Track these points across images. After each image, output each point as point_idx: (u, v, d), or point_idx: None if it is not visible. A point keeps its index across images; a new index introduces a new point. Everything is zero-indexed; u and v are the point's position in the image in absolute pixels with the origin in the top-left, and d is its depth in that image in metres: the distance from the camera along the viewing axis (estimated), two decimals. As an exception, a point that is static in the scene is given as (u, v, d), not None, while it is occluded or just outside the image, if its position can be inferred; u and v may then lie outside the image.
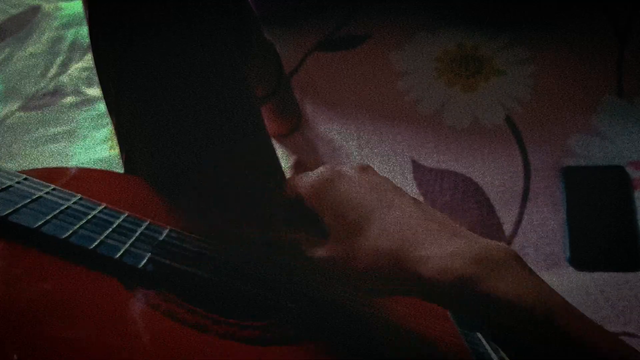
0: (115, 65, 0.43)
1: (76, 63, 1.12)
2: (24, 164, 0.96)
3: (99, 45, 0.44)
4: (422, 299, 0.27)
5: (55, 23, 1.21)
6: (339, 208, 0.30)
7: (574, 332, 0.24)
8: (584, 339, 0.24)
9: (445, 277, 0.25)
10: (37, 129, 1.01)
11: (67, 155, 0.96)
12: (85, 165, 0.93)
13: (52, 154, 0.97)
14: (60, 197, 0.30)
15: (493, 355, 0.36)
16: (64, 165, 0.94)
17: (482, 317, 0.25)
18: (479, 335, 0.39)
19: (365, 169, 0.33)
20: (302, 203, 0.32)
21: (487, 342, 0.38)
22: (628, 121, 0.84)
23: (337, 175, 0.31)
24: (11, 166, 0.96)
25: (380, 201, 0.30)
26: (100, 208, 0.31)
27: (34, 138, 1.00)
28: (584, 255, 0.73)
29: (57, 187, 0.31)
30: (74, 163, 0.94)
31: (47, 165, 0.94)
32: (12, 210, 0.27)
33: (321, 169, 0.33)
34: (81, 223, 0.28)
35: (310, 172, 0.33)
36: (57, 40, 1.17)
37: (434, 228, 0.28)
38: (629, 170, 0.79)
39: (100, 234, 0.28)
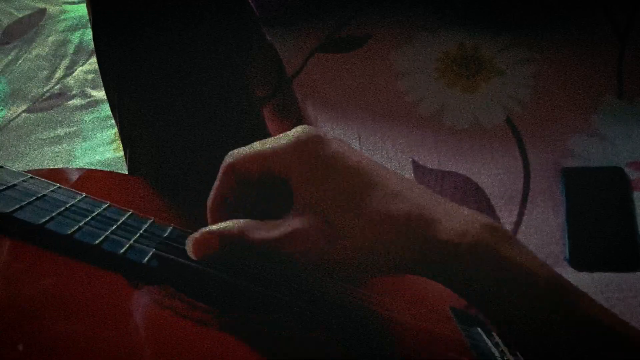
0: (117, 66, 0.43)
1: (81, 65, 1.13)
2: (30, 165, 0.97)
3: (101, 45, 0.44)
4: (432, 272, 0.26)
5: (61, 26, 1.22)
6: (329, 171, 0.26)
7: (586, 310, 0.24)
8: (598, 317, 0.24)
9: (463, 239, 0.24)
10: (43, 131, 1.02)
11: (72, 156, 0.97)
12: (90, 167, 0.93)
13: (58, 155, 0.98)
14: (65, 195, 0.30)
15: (493, 349, 0.36)
16: (68, 166, 0.95)
17: (498, 283, 0.24)
18: (479, 330, 0.39)
19: (342, 140, 0.29)
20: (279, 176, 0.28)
21: (487, 337, 0.38)
22: (628, 122, 0.85)
23: (319, 137, 0.27)
24: (17, 167, 0.96)
25: (378, 166, 0.28)
26: (104, 206, 0.31)
27: (39, 139, 1.01)
28: (584, 255, 0.73)
29: (61, 186, 0.31)
30: (79, 164, 0.95)
31: (52, 166, 0.95)
32: (17, 207, 0.27)
33: (296, 129, 0.28)
34: (85, 220, 0.28)
35: (282, 135, 0.28)
36: (63, 42, 1.18)
37: (438, 197, 0.27)
38: (628, 171, 0.79)
39: (105, 231, 0.28)
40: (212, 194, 0.30)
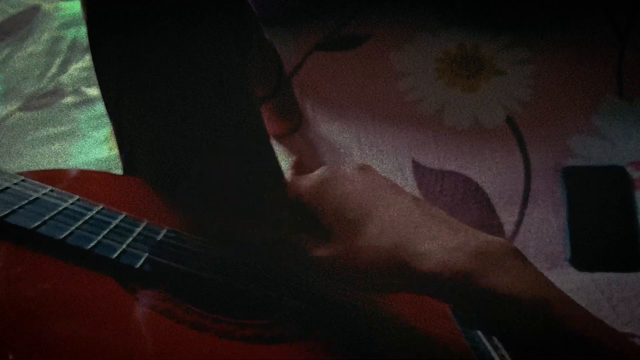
0: (115, 66, 0.43)
1: (76, 63, 1.12)
2: (24, 164, 0.96)
3: (98, 46, 0.44)
4: (423, 294, 0.27)
5: (55, 23, 1.21)
6: (339, 207, 0.30)
7: (573, 326, 0.24)
8: (585, 332, 0.24)
9: (444, 271, 0.25)
10: (37, 129, 1.01)
11: (67, 155, 0.96)
12: (85, 165, 0.93)
13: (52, 154, 0.97)
14: (57, 198, 0.30)
15: (493, 353, 0.36)
16: (63, 165, 0.94)
17: (481, 311, 0.25)
18: (479, 333, 0.39)
19: (364, 168, 0.33)
20: (303, 204, 0.33)
21: (487, 340, 0.38)
22: (628, 121, 0.85)
23: (336, 175, 0.32)
24: (11, 166, 0.96)
25: (379, 200, 0.30)
26: (97, 209, 0.31)
27: (33, 138, 1.00)
28: (585, 255, 0.73)
29: (54, 189, 0.31)
30: (74, 163, 0.94)
31: (46, 165, 0.95)
32: (9, 211, 0.27)
33: (321, 169, 0.33)
34: (78, 224, 0.28)
35: (310, 174, 0.33)
36: (57, 40, 1.17)
37: (433, 224, 0.28)
38: (630, 170, 0.79)
39: (98, 235, 0.28)
40: None
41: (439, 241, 0.27)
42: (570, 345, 0.24)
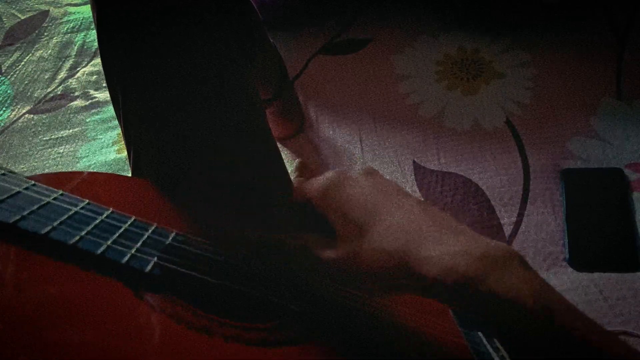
0: (121, 67, 0.44)
1: (84, 67, 1.13)
2: (33, 166, 0.97)
3: (105, 46, 0.44)
4: (426, 297, 0.27)
5: (64, 28, 1.22)
6: (346, 210, 0.30)
7: (573, 330, 0.24)
8: (585, 337, 0.24)
9: (448, 275, 0.25)
10: (46, 132, 1.02)
11: (76, 157, 0.97)
12: (93, 168, 0.94)
13: (61, 157, 0.98)
14: (67, 203, 0.30)
15: (493, 354, 0.36)
16: (72, 168, 0.95)
17: (483, 315, 0.25)
18: (480, 334, 0.39)
19: (371, 172, 0.34)
20: (310, 207, 0.33)
21: (488, 342, 0.38)
22: (627, 123, 0.85)
23: (343, 179, 0.32)
24: (20, 168, 0.97)
25: (385, 203, 0.30)
26: (107, 213, 0.31)
27: (42, 141, 1.01)
28: (583, 256, 0.73)
29: (65, 193, 0.31)
30: (82, 166, 0.95)
31: (55, 168, 0.95)
32: (19, 217, 0.27)
33: (328, 173, 0.34)
34: (88, 228, 0.28)
35: (317, 177, 0.34)
36: (66, 44, 1.19)
37: (437, 228, 0.28)
38: (627, 172, 0.79)
39: (107, 239, 0.28)
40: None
41: (444, 246, 0.27)
42: (572, 348, 0.24)
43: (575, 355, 0.24)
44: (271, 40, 0.77)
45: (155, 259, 0.29)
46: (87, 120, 1.03)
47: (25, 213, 0.27)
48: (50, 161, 0.98)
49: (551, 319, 0.24)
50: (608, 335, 0.25)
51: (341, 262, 0.29)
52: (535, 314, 0.24)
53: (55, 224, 0.27)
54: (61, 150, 0.99)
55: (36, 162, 0.98)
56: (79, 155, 0.97)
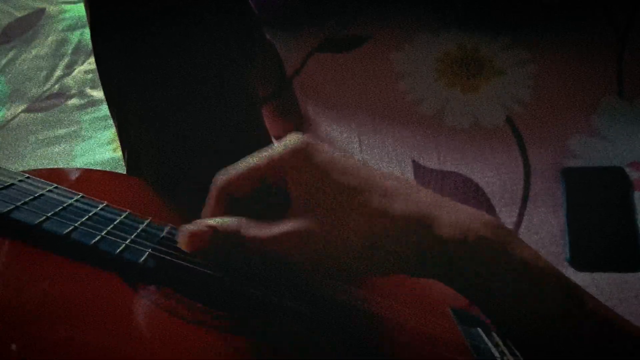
0: (118, 67, 0.44)
1: (80, 65, 1.13)
2: (29, 165, 0.97)
3: (100, 46, 0.44)
4: (436, 266, 0.25)
5: (60, 26, 1.22)
6: (326, 174, 0.26)
7: (596, 308, 0.24)
8: (607, 315, 0.24)
9: (468, 236, 0.24)
10: (42, 130, 1.02)
11: (71, 156, 0.97)
12: (89, 167, 0.94)
13: (57, 155, 0.98)
14: (61, 195, 0.30)
15: (493, 350, 0.36)
16: (68, 166, 0.95)
17: (501, 281, 0.24)
18: (479, 330, 0.39)
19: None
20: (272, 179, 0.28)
21: (488, 338, 0.38)
22: (628, 122, 0.85)
23: (313, 144, 0.28)
24: (16, 167, 0.97)
25: (374, 169, 0.28)
26: (101, 206, 0.31)
27: (38, 139, 1.01)
28: (584, 255, 0.73)
29: (58, 186, 0.31)
30: (78, 164, 0.95)
31: (51, 166, 0.95)
32: (12, 207, 0.27)
33: (289, 138, 0.28)
34: (82, 220, 0.28)
35: (275, 145, 0.28)
36: (62, 42, 1.18)
37: (438, 197, 0.27)
38: (629, 171, 0.79)
39: (101, 231, 0.28)
40: (204, 217, 0.30)
41: (452, 211, 0.26)
42: (595, 326, 0.24)
43: (595, 333, 0.23)
44: (269, 38, 0.77)
45: (150, 250, 0.29)
46: (83, 119, 1.03)
47: (18, 204, 0.27)
48: (46, 160, 0.97)
49: (582, 299, 0.24)
50: (623, 318, 0.25)
51: (308, 233, 0.25)
52: (558, 284, 0.24)
53: (48, 215, 0.27)
54: (57, 149, 0.99)
55: (32, 160, 0.98)
56: (75, 154, 0.97)
